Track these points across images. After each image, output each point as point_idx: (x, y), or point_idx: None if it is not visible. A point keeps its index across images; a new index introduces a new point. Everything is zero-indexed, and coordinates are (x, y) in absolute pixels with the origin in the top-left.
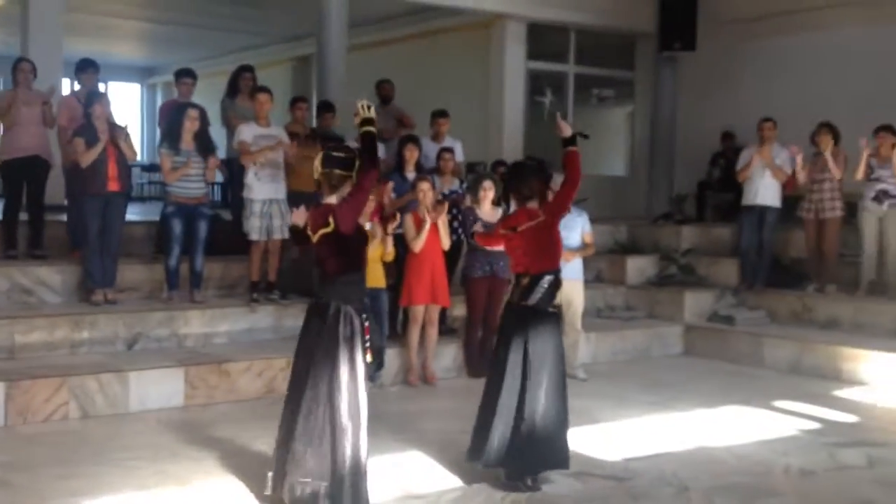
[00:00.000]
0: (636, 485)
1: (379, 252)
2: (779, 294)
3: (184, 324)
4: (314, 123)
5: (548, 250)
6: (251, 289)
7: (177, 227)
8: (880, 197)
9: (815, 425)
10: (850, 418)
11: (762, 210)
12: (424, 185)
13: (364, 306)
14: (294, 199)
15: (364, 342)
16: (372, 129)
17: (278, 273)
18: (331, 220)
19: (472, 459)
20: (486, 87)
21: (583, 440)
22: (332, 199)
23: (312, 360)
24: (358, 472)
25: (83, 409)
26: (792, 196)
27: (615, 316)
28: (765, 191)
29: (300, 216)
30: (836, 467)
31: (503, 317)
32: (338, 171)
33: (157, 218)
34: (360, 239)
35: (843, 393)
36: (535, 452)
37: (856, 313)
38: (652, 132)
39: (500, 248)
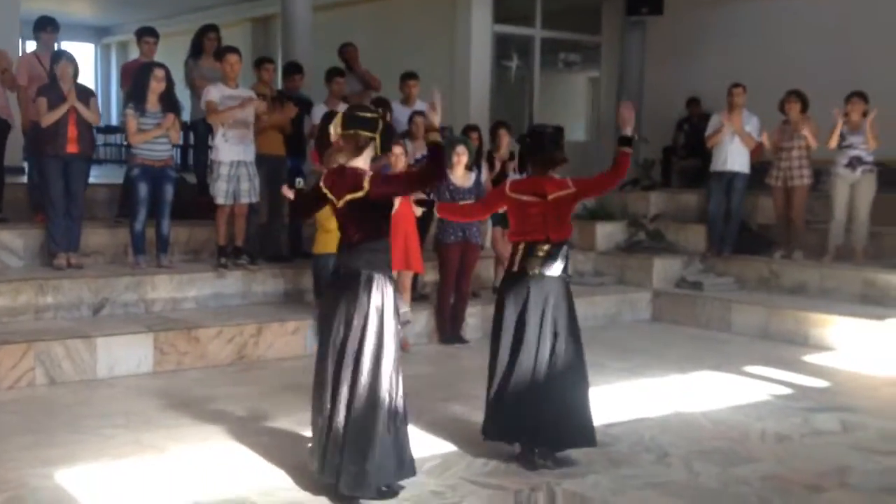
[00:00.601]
0: (616, 450)
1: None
2: (747, 260)
3: (151, 289)
4: (280, 85)
5: (566, 221)
6: (219, 253)
7: (143, 189)
8: (854, 163)
9: (787, 390)
10: (821, 383)
11: (731, 176)
12: (397, 150)
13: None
14: (259, 162)
15: (397, 309)
16: (438, 137)
17: (246, 238)
18: (365, 184)
19: (489, 436)
20: (452, 51)
21: None
22: (359, 163)
23: (347, 331)
24: (385, 453)
25: (50, 376)
26: (759, 162)
27: (585, 282)
28: (734, 157)
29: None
30: (811, 432)
31: (508, 285)
32: (363, 132)
33: (118, 180)
34: (387, 206)
35: (812, 358)
36: (559, 428)
37: (822, 279)
38: (618, 97)
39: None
